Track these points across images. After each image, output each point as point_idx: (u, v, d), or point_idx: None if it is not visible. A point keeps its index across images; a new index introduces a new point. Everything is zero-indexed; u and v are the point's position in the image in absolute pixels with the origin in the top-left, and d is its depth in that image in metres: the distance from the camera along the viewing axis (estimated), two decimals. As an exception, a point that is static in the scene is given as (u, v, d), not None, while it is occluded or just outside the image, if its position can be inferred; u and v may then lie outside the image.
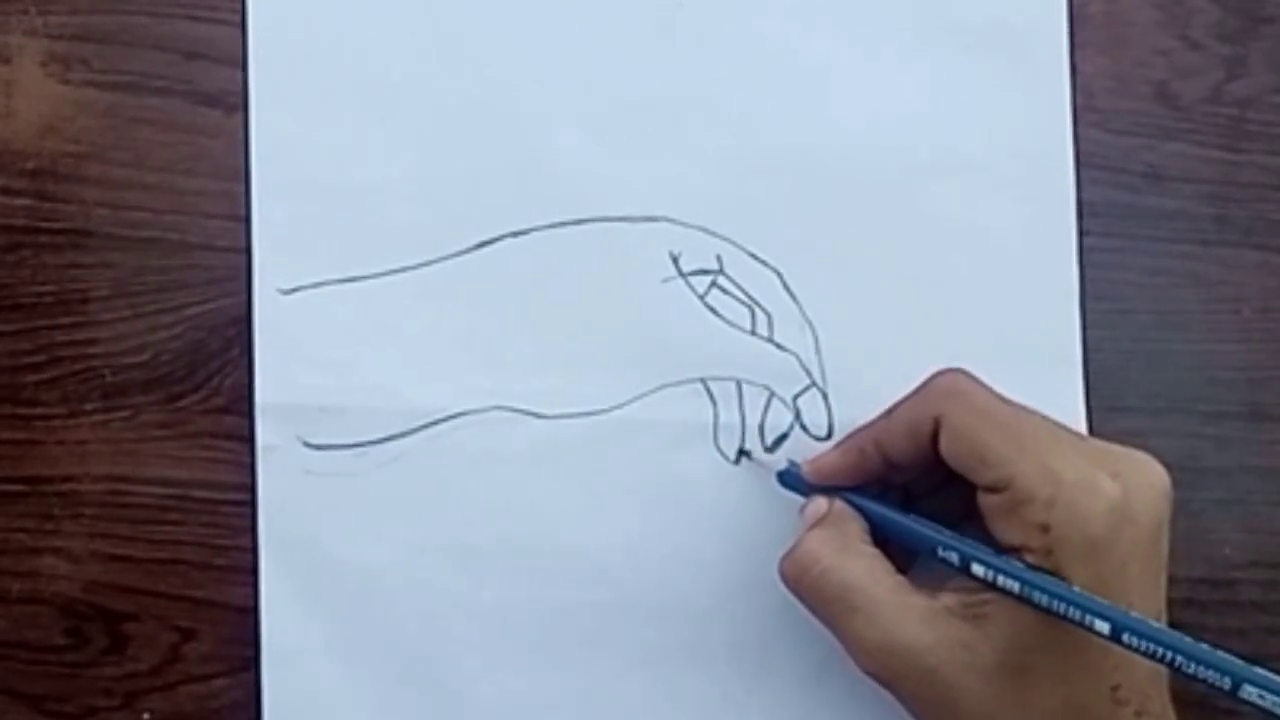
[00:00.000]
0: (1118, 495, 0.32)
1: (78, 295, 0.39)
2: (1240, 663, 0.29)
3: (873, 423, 0.37)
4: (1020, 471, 0.33)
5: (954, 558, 0.34)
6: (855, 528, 0.36)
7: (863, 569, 0.34)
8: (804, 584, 0.35)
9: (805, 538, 0.36)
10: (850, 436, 0.37)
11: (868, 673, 0.34)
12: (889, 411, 0.36)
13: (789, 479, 0.38)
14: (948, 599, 0.34)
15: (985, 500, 0.34)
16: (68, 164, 0.39)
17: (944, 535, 0.34)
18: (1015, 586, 0.32)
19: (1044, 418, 0.35)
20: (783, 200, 0.40)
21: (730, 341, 0.40)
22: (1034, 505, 0.32)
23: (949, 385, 0.35)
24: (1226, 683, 0.29)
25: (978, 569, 0.33)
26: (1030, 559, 0.32)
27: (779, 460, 0.39)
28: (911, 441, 0.35)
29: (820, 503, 0.37)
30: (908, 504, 0.37)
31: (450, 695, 0.39)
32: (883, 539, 0.36)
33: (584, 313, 0.39)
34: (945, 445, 0.34)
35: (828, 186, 0.40)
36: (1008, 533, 0.33)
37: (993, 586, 0.33)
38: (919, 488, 0.37)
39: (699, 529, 0.39)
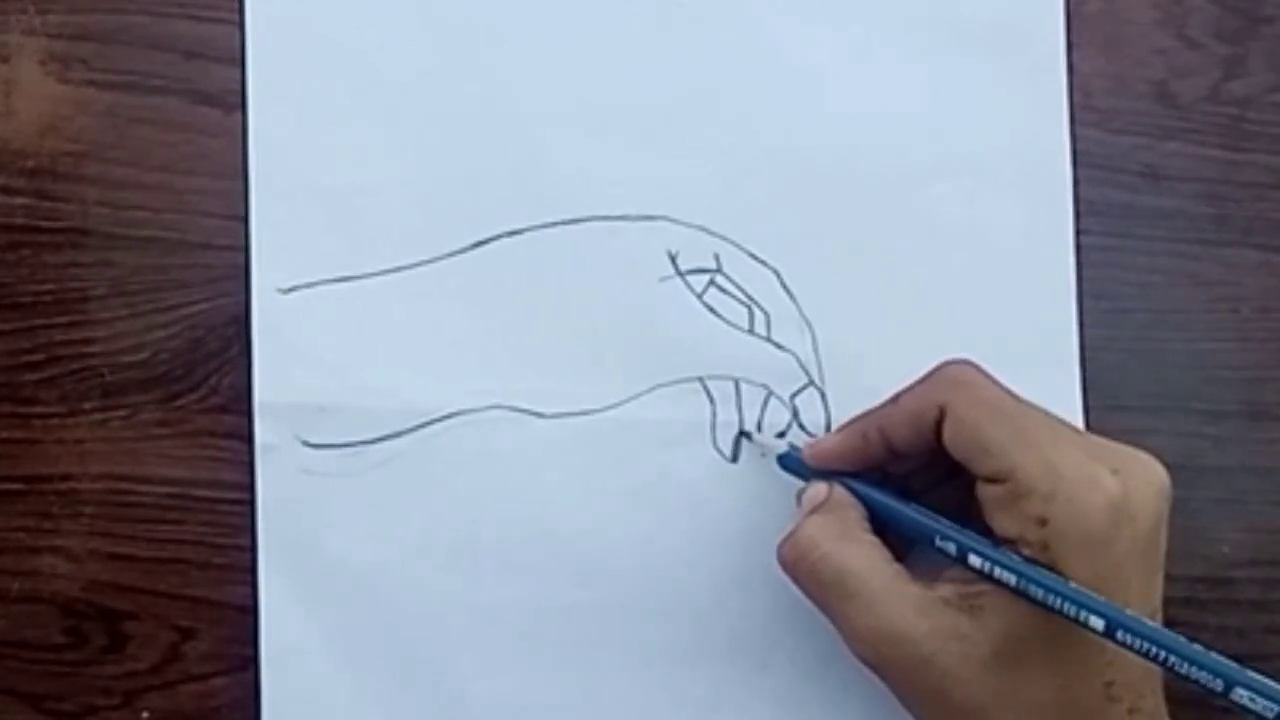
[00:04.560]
0: (1117, 492, 0.32)
1: (76, 294, 0.39)
2: (1233, 665, 0.29)
3: (877, 408, 0.37)
4: (1021, 463, 0.33)
5: (951, 548, 0.34)
6: (854, 514, 0.36)
7: (861, 555, 0.34)
8: (801, 569, 0.35)
9: (804, 523, 0.36)
10: (852, 420, 0.37)
11: (861, 659, 0.34)
12: (894, 398, 0.36)
13: (789, 462, 0.38)
14: (944, 589, 0.34)
15: (985, 491, 0.34)
16: (67, 163, 0.39)
17: (942, 525, 0.34)
18: (1012, 579, 0.32)
19: (1048, 413, 0.35)
20: (781, 199, 0.40)
21: (728, 340, 0.40)
22: (1033, 498, 0.32)
23: (955, 375, 0.35)
24: (1219, 684, 0.29)
25: (975, 560, 0.33)
26: (1027, 552, 0.33)
27: (780, 444, 0.39)
28: (914, 428, 0.35)
29: (820, 488, 0.37)
30: (906, 497, 0.37)
31: (449, 694, 0.39)
32: (880, 527, 0.36)
33: (581, 312, 0.39)
34: (948, 434, 0.34)
35: (826, 186, 0.40)
36: (1005, 524, 0.33)
37: (989, 578, 0.33)
38: (919, 481, 0.37)
39: (697, 527, 0.39)
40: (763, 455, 0.39)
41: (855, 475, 0.37)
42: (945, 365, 0.36)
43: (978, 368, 0.35)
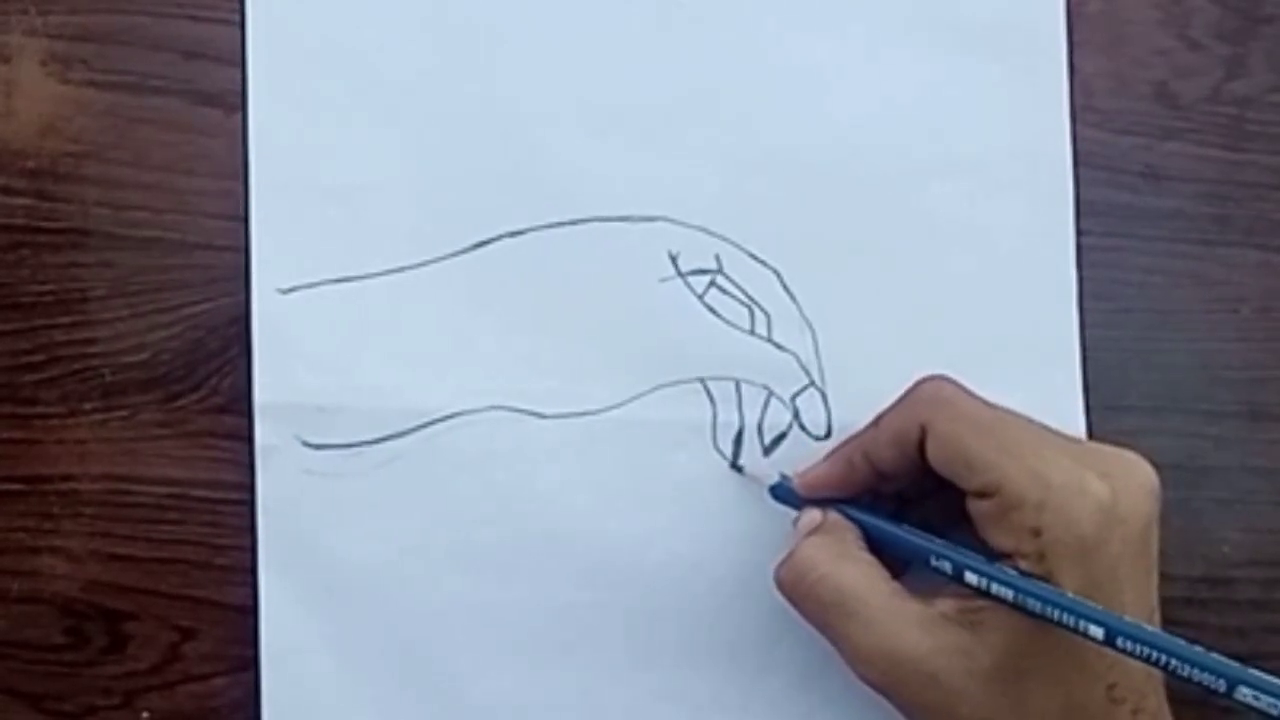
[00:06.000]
0: (1107, 496, 0.32)
1: (77, 295, 0.39)
2: (1235, 664, 0.29)
3: (859, 433, 0.37)
4: (1008, 476, 0.33)
5: (947, 566, 0.34)
6: (850, 535, 0.36)
7: (859, 575, 0.34)
8: (800, 590, 0.35)
9: (801, 545, 0.36)
10: (838, 448, 0.37)
11: (865, 680, 0.34)
12: (875, 421, 0.36)
13: (781, 492, 0.38)
14: (944, 605, 0.34)
15: (975, 506, 0.34)
16: (68, 164, 0.39)
17: (936, 544, 0.34)
18: (1009, 594, 0.32)
19: (1030, 421, 0.35)
20: (781, 200, 0.40)
21: (729, 341, 0.40)
22: (1024, 509, 0.32)
23: (933, 392, 0.35)
24: (1221, 685, 0.29)
25: (971, 577, 0.33)
26: (1023, 564, 0.32)
27: (771, 474, 0.38)
28: (898, 450, 0.35)
29: (814, 514, 0.37)
30: (901, 510, 0.37)
31: (449, 695, 0.39)
32: (876, 548, 0.36)
33: (582, 313, 0.39)
34: (932, 452, 0.34)
35: (826, 186, 0.40)
36: (999, 538, 0.33)
37: (987, 594, 0.33)
38: (912, 494, 0.37)
39: (698, 528, 0.39)
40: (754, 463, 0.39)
41: (847, 500, 0.37)
42: (922, 383, 0.36)
43: (955, 382, 0.35)
